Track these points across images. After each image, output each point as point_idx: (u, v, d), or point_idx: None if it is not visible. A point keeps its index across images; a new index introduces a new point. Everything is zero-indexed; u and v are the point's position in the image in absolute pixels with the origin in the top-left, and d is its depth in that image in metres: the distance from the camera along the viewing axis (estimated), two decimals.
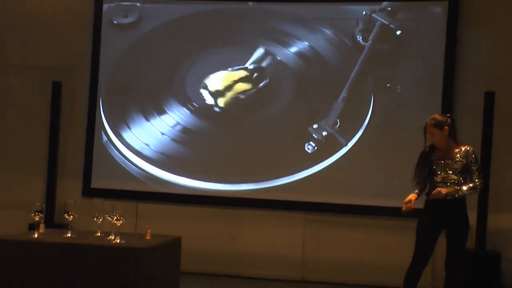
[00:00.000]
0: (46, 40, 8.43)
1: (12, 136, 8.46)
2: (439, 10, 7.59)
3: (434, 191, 5.26)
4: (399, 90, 7.71)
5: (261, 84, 7.98)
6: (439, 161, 5.38)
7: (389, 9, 7.73)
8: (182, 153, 8.08)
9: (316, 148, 7.80)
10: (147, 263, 5.16)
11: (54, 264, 5.11)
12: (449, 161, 5.35)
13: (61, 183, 8.21)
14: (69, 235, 5.46)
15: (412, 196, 5.41)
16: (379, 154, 7.68)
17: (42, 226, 5.55)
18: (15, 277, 5.15)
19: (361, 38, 7.78)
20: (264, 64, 7.95)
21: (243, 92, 8.02)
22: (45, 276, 5.11)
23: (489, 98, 7.25)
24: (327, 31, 7.88)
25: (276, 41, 7.96)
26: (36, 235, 5.39)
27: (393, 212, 7.08)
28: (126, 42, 8.30)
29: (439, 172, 5.36)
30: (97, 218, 5.48)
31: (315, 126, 7.80)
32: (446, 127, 5.35)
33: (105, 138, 8.26)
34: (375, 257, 7.62)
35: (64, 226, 6.70)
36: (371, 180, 7.66)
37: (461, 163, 5.33)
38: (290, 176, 7.82)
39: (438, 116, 5.47)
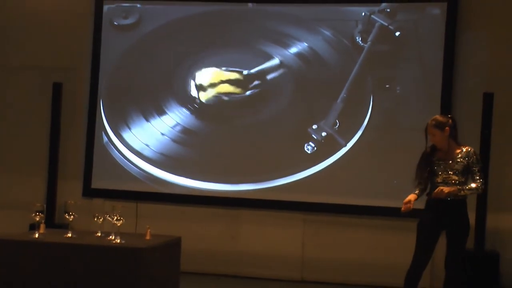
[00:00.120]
0: (46, 41, 8.45)
1: (12, 137, 8.48)
2: (437, 12, 7.61)
3: (437, 190, 5.26)
4: (398, 91, 7.73)
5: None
6: (440, 162, 5.39)
7: (388, 10, 7.75)
8: (182, 153, 8.10)
9: (315, 148, 7.82)
10: (147, 263, 5.17)
11: (54, 264, 5.12)
12: (450, 161, 5.36)
13: (62, 184, 8.22)
14: (69, 235, 5.47)
15: (411, 197, 5.41)
16: (379, 155, 7.69)
17: (42, 226, 5.57)
18: (15, 277, 5.16)
19: (360, 39, 7.80)
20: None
21: (240, 93, 8.03)
22: (45, 276, 5.12)
23: (488, 99, 7.26)
24: (327, 32, 7.90)
25: (276, 42, 7.97)
26: (36, 235, 5.40)
27: (393, 212, 7.07)
28: (126, 43, 8.32)
29: (440, 173, 5.37)
30: (97, 218, 5.49)
31: (314, 126, 7.82)
32: (447, 128, 5.36)
33: (105, 138, 8.29)
34: (375, 257, 7.64)
35: (65, 226, 6.72)
36: (370, 180, 7.67)
37: (462, 163, 5.34)
38: (290, 177, 7.84)
39: (439, 117, 5.48)
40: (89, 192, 8.27)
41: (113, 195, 8.06)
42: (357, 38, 7.81)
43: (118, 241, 5.28)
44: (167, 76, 8.21)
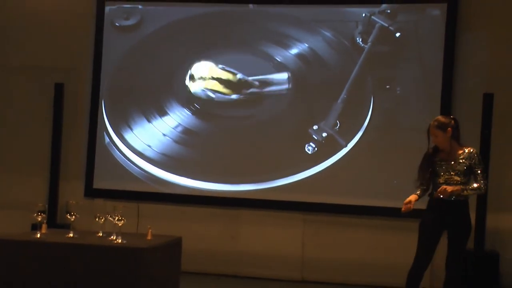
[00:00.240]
0: (48, 42, 8.47)
1: (15, 137, 8.51)
2: (437, 13, 7.63)
3: (440, 188, 5.26)
4: (398, 92, 7.74)
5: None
6: (442, 163, 5.39)
7: (389, 11, 7.77)
8: (183, 154, 8.12)
9: (316, 149, 7.84)
10: (148, 263, 5.18)
11: (56, 264, 5.13)
12: (452, 162, 5.36)
13: (64, 184, 8.25)
14: (71, 235, 5.48)
15: (412, 197, 5.42)
16: (379, 155, 7.71)
17: (44, 226, 5.58)
18: (17, 276, 5.18)
19: (360, 40, 7.81)
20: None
21: (241, 94, 8.06)
22: (47, 276, 5.13)
23: (488, 99, 7.29)
24: (327, 33, 7.92)
25: (276, 43, 7.99)
26: (38, 235, 5.41)
27: (393, 213, 7.10)
28: (127, 44, 8.34)
29: (442, 174, 5.38)
30: (98, 218, 5.50)
31: (315, 127, 7.84)
32: (449, 129, 5.35)
33: (107, 139, 8.31)
34: (375, 257, 7.65)
35: (67, 226, 6.71)
36: (371, 180, 7.69)
37: (464, 164, 5.35)
38: (290, 177, 7.86)
39: (441, 118, 5.47)
40: (91, 192, 8.29)
41: (114, 195, 8.09)
42: (357, 39, 7.83)
43: (120, 241, 5.29)
44: (168, 77, 8.23)
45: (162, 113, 8.20)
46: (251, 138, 8.01)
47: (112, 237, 5.37)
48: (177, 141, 8.15)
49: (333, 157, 7.78)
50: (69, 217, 5.63)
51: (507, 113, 7.45)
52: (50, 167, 8.22)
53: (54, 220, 7.89)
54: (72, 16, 8.46)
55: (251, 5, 8.13)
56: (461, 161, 5.35)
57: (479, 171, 5.34)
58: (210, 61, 8.12)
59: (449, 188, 5.23)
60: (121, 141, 8.27)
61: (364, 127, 7.74)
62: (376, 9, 7.79)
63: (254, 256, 7.91)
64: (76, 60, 8.44)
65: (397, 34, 7.75)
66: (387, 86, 7.76)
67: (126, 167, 8.23)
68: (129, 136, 8.27)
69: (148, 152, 8.19)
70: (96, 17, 8.38)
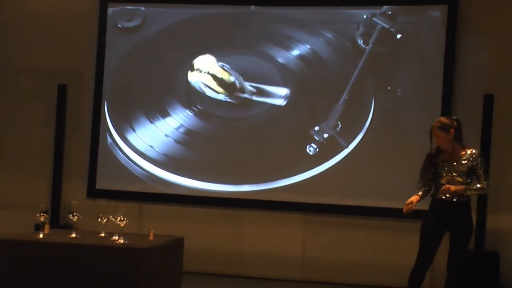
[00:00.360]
0: (51, 44, 8.50)
1: (18, 138, 8.54)
2: (438, 14, 7.65)
3: (443, 187, 5.29)
4: (399, 93, 7.77)
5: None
6: (445, 164, 5.41)
7: (390, 13, 7.79)
8: (185, 154, 8.15)
9: (317, 150, 7.86)
10: (149, 263, 5.20)
11: (58, 264, 5.14)
12: (455, 163, 5.38)
13: (67, 185, 8.28)
14: (73, 235, 5.48)
15: (414, 198, 5.44)
16: (380, 156, 7.73)
17: (47, 226, 5.57)
18: (20, 276, 5.19)
19: (361, 41, 7.84)
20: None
21: (242, 95, 8.09)
22: (49, 276, 5.14)
23: (488, 100, 7.31)
24: (328, 35, 7.94)
25: (278, 44, 8.02)
26: (41, 235, 5.41)
27: (394, 213, 7.13)
28: (130, 45, 8.37)
29: (444, 174, 5.39)
30: (101, 218, 5.49)
31: (316, 128, 7.87)
32: (451, 130, 5.37)
33: (109, 140, 8.34)
34: (375, 257, 7.67)
35: (69, 227, 6.73)
36: (371, 181, 7.71)
37: (466, 165, 5.36)
38: (292, 178, 7.88)
39: (444, 119, 5.48)
40: (94, 192, 8.32)
41: (117, 195, 8.12)
42: (358, 40, 7.86)
43: (122, 241, 5.29)
44: (170, 78, 8.26)
45: (164, 114, 8.23)
46: (253, 139, 8.04)
47: (114, 237, 5.37)
48: (179, 141, 8.17)
49: (334, 158, 7.81)
50: (71, 217, 5.61)
51: (507, 114, 7.48)
52: (53, 168, 8.25)
53: (57, 220, 7.93)
54: (75, 18, 8.49)
55: (252, 7, 8.16)
56: (463, 162, 5.37)
57: (481, 172, 5.36)
58: (213, 64, 8.14)
59: (453, 187, 5.26)
60: (123, 142, 8.30)
61: (365, 128, 7.76)
62: (377, 11, 7.82)
63: (255, 256, 7.94)
64: (79, 62, 8.47)
65: (398, 36, 7.78)
66: (388, 87, 7.78)
67: (129, 168, 8.25)
68: (131, 137, 8.30)
69: (151, 153, 8.22)
70: (98, 19, 8.41)
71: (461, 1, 7.63)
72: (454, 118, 5.55)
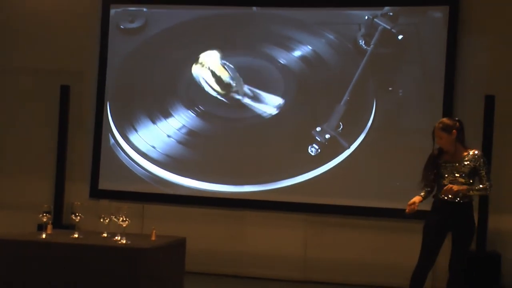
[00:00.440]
0: (54, 44, 8.51)
1: (21, 139, 8.56)
2: (439, 15, 7.66)
3: (446, 187, 5.29)
4: (400, 94, 7.78)
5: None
6: (447, 164, 5.42)
7: (391, 14, 7.80)
8: (187, 155, 8.17)
9: (319, 150, 7.88)
10: (151, 263, 5.22)
11: (60, 264, 5.18)
12: (457, 164, 5.39)
13: (69, 185, 8.30)
14: (75, 235, 5.51)
15: (416, 199, 5.45)
16: (381, 156, 7.74)
17: (49, 226, 5.61)
18: (22, 276, 5.23)
19: (363, 42, 7.85)
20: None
21: (244, 96, 8.11)
22: (51, 276, 5.17)
23: (489, 101, 7.32)
24: (330, 36, 7.95)
25: (280, 45, 8.03)
26: (43, 236, 5.45)
27: (395, 214, 7.16)
28: (132, 46, 8.39)
29: (446, 175, 5.40)
30: (103, 219, 5.52)
31: (318, 129, 7.89)
32: (454, 131, 5.38)
33: (112, 140, 8.36)
34: (375, 257, 7.68)
35: (72, 227, 6.76)
36: (373, 182, 7.72)
37: (469, 166, 5.37)
38: (294, 178, 7.89)
39: (446, 120, 5.49)
40: (96, 193, 8.34)
41: (119, 196, 8.14)
42: (360, 41, 7.87)
43: (124, 241, 5.32)
44: (172, 78, 8.28)
45: (167, 114, 8.26)
46: (255, 140, 8.05)
47: (116, 237, 5.40)
48: (181, 142, 8.19)
49: (336, 158, 7.82)
50: (74, 217, 5.66)
51: (508, 114, 7.48)
52: (56, 169, 8.27)
53: (60, 220, 7.96)
54: (78, 19, 8.51)
55: (254, 8, 8.18)
56: (465, 163, 5.38)
57: (483, 173, 5.37)
58: (215, 65, 8.17)
59: (455, 187, 5.27)
60: (126, 142, 8.32)
61: (366, 129, 7.77)
62: (378, 12, 7.83)
63: (256, 256, 7.95)
64: (81, 63, 8.49)
65: (399, 37, 7.79)
66: (390, 88, 7.80)
67: (131, 168, 8.27)
68: (133, 137, 8.32)
69: (153, 154, 8.25)
70: (101, 20, 8.43)
71: (462, 2, 7.64)
72: (456, 119, 5.55)
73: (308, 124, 7.91)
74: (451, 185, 5.30)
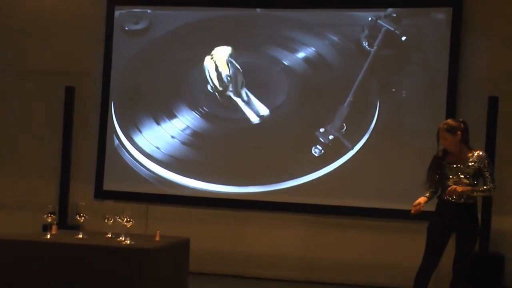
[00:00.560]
0: (59, 46, 8.54)
1: (26, 140, 8.58)
2: (443, 17, 7.67)
3: (450, 188, 5.30)
4: (404, 95, 7.79)
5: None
6: (451, 165, 5.42)
7: (394, 15, 7.81)
8: (191, 156, 8.19)
9: (323, 151, 7.89)
10: (155, 263, 5.23)
11: (65, 264, 5.20)
12: (461, 165, 5.39)
13: (74, 186, 8.32)
14: (80, 236, 5.53)
15: (421, 199, 5.45)
16: (384, 157, 7.74)
17: (54, 227, 5.62)
18: (27, 277, 5.24)
19: (366, 43, 7.86)
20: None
21: (247, 97, 8.13)
22: (56, 276, 5.19)
23: (493, 102, 7.32)
24: (333, 37, 7.97)
25: (283, 46, 8.05)
26: (48, 236, 5.46)
27: (399, 214, 7.20)
28: (137, 47, 8.41)
29: (451, 176, 5.41)
30: (108, 219, 5.52)
31: (321, 130, 7.90)
32: (458, 132, 5.39)
33: (116, 141, 8.39)
34: (376, 257, 7.69)
35: (77, 228, 6.77)
36: (376, 183, 7.73)
37: (473, 167, 5.38)
38: (297, 179, 7.91)
39: (451, 121, 5.50)
40: (101, 194, 8.37)
41: (124, 197, 8.15)
42: (363, 42, 7.88)
43: (128, 242, 5.33)
44: (177, 80, 8.30)
45: (171, 115, 8.28)
46: (258, 141, 8.07)
47: (120, 238, 5.42)
48: (185, 143, 8.22)
49: (340, 159, 7.83)
50: (78, 218, 5.67)
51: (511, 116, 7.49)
52: (60, 169, 8.29)
53: (64, 221, 7.98)
54: (83, 21, 8.54)
55: (258, 10, 8.20)
56: (470, 164, 5.39)
57: (488, 174, 5.38)
58: (218, 66, 8.19)
59: (459, 188, 5.28)
60: (130, 143, 8.35)
61: (370, 130, 7.78)
62: (382, 13, 7.84)
63: (259, 257, 7.96)
64: (86, 64, 8.52)
65: (403, 38, 7.80)
66: (393, 90, 7.81)
67: (135, 169, 8.30)
68: (138, 138, 8.35)
69: (157, 154, 8.27)
70: (106, 22, 8.46)
71: (465, 3, 7.64)
72: (461, 120, 5.56)
73: (312, 125, 7.93)
74: (455, 186, 5.30)
